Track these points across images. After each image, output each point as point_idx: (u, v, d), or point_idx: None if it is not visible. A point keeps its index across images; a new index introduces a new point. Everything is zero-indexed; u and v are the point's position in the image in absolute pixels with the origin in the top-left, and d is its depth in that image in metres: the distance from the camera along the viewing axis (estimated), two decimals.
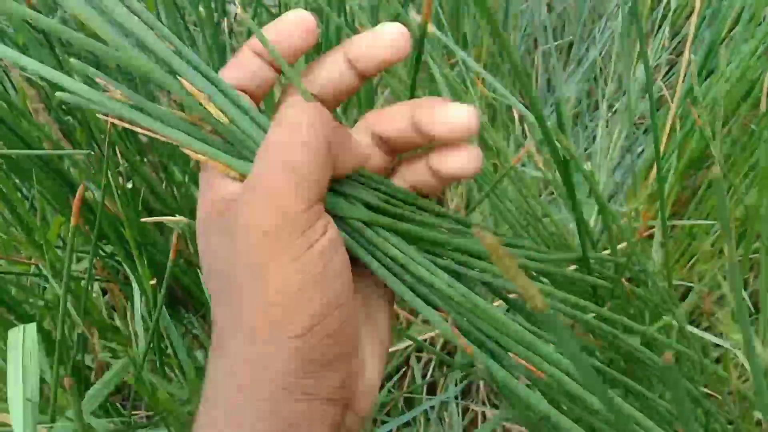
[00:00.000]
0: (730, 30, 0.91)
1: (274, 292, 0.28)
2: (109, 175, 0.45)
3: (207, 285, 0.32)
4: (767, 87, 0.57)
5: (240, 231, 0.28)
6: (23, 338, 0.43)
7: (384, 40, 0.31)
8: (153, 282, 0.46)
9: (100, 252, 0.66)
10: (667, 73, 1.09)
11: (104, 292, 0.84)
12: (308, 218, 0.28)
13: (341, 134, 0.30)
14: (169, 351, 0.61)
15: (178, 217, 0.45)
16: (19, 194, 0.63)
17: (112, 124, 0.53)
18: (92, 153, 0.56)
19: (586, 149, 1.04)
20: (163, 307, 0.54)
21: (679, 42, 1.08)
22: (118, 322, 0.79)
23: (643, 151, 1.01)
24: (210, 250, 0.32)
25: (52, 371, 0.44)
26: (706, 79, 0.86)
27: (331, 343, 0.29)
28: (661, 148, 0.85)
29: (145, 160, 0.86)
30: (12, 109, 0.56)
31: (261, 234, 0.28)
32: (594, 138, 1.04)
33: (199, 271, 0.69)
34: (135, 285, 0.52)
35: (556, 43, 1.23)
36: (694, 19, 0.83)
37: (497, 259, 0.15)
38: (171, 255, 0.39)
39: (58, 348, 0.44)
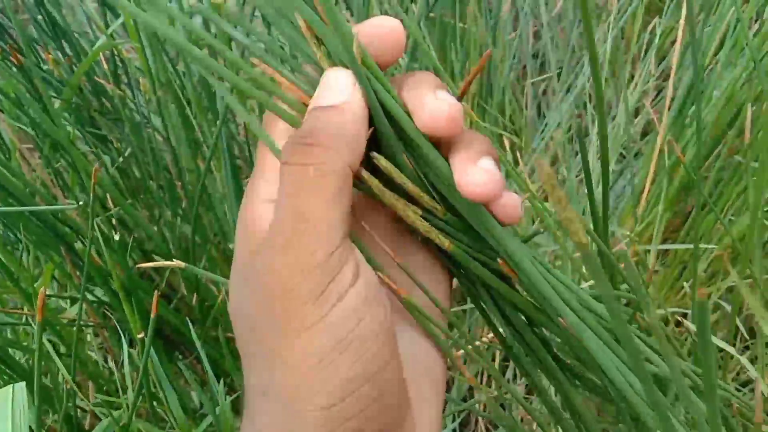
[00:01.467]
0: (715, 54, 0.92)
1: (300, 356, 0.24)
2: (95, 228, 0.45)
3: (236, 338, 0.28)
4: (751, 117, 0.57)
5: (260, 288, 0.25)
6: (13, 396, 0.43)
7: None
8: (141, 335, 0.46)
9: (91, 297, 0.66)
10: (655, 98, 1.10)
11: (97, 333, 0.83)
12: (332, 267, 0.25)
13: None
14: (161, 395, 0.60)
15: (175, 262, 0.45)
16: (7, 245, 0.63)
17: (98, 169, 0.54)
18: (80, 204, 0.56)
19: (577, 175, 1.04)
20: (154, 353, 0.54)
21: (666, 67, 1.09)
22: (111, 365, 0.79)
23: (634, 175, 1.01)
24: (236, 300, 0.28)
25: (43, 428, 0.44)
26: (692, 105, 0.87)
27: (370, 414, 0.25)
28: (650, 174, 0.85)
29: (137, 200, 0.87)
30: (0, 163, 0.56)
31: (279, 293, 0.25)
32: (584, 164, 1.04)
33: (189, 316, 0.69)
34: (122, 336, 0.51)
35: (545, 76, 1.24)
36: (678, 45, 0.84)
37: (550, 188, 0.15)
38: (152, 311, 0.39)
39: (38, 404, 0.43)
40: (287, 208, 0.26)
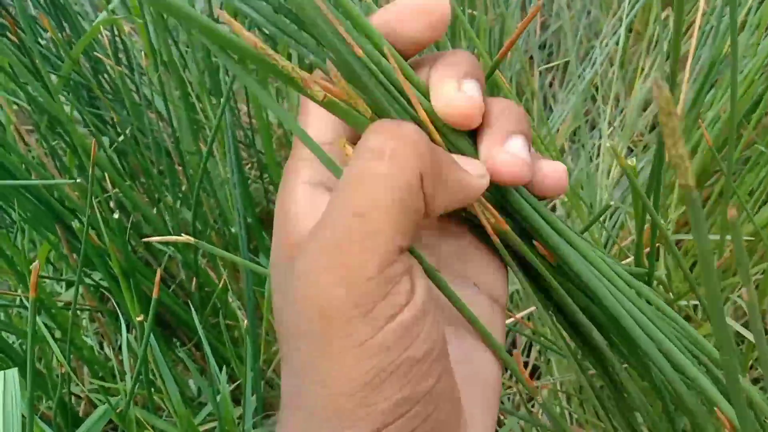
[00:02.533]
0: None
1: (340, 380, 0.21)
2: (95, 206, 0.43)
3: (278, 336, 0.26)
4: None
5: (299, 296, 0.22)
6: (5, 383, 0.41)
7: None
8: (140, 318, 0.44)
9: (87, 281, 0.63)
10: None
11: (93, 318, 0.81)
12: (385, 282, 0.21)
13: (440, 162, 0.24)
14: (160, 383, 0.58)
15: (183, 237, 0.43)
16: (1, 227, 0.61)
17: (97, 146, 0.51)
18: (77, 181, 0.54)
19: (582, 169, 1.02)
20: (153, 339, 0.52)
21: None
22: (107, 351, 0.77)
23: (642, 168, 0.99)
24: (276, 300, 0.26)
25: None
26: (709, 92, 0.85)
27: None
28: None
29: (136, 184, 0.84)
30: None
31: (318, 309, 0.21)
32: (593, 156, 1.03)
33: (189, 302, 0.67)
34: (122, 320, 0.49)
35: (553, 63, 1.22)
36: (695, 33, 0.82)
37: (665, 117, 0.13)
38: (154, 292, 0.37)
39: (31, 390, 0.41)
40: (342, 204, 0.22)
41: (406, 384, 0.22)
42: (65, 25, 0.92)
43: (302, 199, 0.26)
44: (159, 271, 0.37)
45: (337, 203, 0.22)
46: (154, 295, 0.36)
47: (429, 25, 0.26)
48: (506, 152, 0.26)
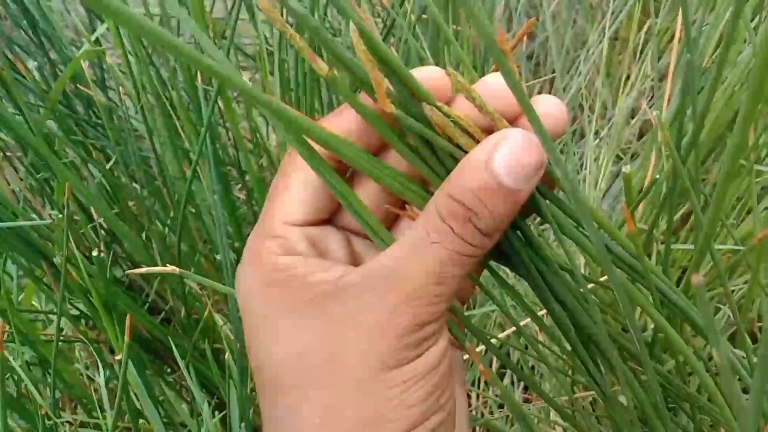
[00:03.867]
0: (713, 53, 0.91)
1: (395, 387, 0.26)
2: (72, 242, 0.43)
3: (259, 374, 0.29)
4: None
5: (352, 321, 0.26)
6: None
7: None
8: (119, 357, 0.44)
9: (74, 311, 0.64)
10: (651, 98, 1.08)
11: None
12: (439, 326, 0.28)
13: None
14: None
15: (169, 267, 0.43)
16: None
17: (79, 181, 0.52)
18: (55, 220, 0.54)
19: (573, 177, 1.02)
20: (134, 371, 0.52)
21: (663, 67, 1.07)
22: (97, 381, 0.77)
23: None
24: (280, 337, 0.28)
25: None
26: (690, 105, 0.85)
27: None
28: (648, 175, 0.83)
29: (125, 209, 0.85)
30: None
31: (382, 329, 0.26)
32: (582, 166, 1.03)
33: (175, 326, 0.67)
34: (102, 354, 0.50)
35: (541, 79, 1.22)
36: (675, 44, 0.82)
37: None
38: (126, 336, 0.37)
39: None
40: (430, 271, 0.26)
41: (428, 398, 0.27)
42: (50, 50, 0.93)
43: (286, 234, 0.29)
44: (129, 318, 0.37)
45: (423, 261, 0.26)
46: (126, 337, 0.37)
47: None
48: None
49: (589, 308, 0.30)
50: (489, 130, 0.27)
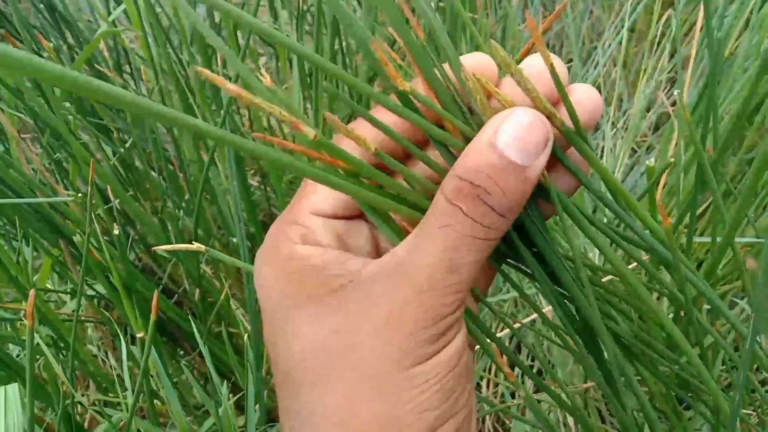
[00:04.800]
0: (735, 46, 0.90)
1: (413, 386, 0.25)
2: (94, 221, 0.43)
3: (277, 367, 0.28)
4: None
5: (371, 316, 0.26)
6: (6, 398, 0.41)
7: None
8: (141, 335, 0.44)
9: (91, 292, 0.64)
10: (669, 89, 1.08)
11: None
12: (455, 318, 0.26)
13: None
14: (163, 393, 0.59)
15: (195, 245, 0.43)
16: (4, 237, 0.61)
17: (95, 163, 0.52)
18: (78, 196, 0.54)
19: None
20: (154, 352, 0.52)
21: (679, 60, 1.06)
22: (112, 361, 0.77)
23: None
24: (306, 339, 0.27)
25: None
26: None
27: None
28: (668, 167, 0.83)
29: (139, 192, 0.85)
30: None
31: (406, 324, 0.25)
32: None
33: (191, 312, 0.67)
34: (122, 333, 0.50)
35: None
36: (696, 35, 0.82)
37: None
38: (153, 313, 0.37)
39: (30, 407, 0.41)
40: (442, 257, 0.25)
41: (449, 398, 0.26)
42: (67, 34, 0.93)
43: (302, 252, 0.28)
44: (156, 293, 0.37)
45: (437, 250, 0.26)
46: (153, 316, 0.37)
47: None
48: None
49: (588, 298, 0.30)
50: None
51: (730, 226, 0.48)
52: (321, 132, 0.26)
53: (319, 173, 0.26)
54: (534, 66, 0.27)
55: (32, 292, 0.32)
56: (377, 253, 0.31)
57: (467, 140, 0.27)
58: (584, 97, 0.27)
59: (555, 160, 0.29)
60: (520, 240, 0.30)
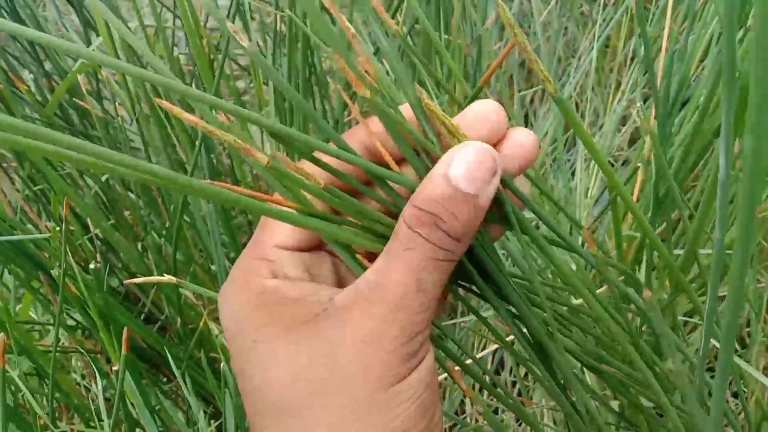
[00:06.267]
0: (701, 62, 0.92)
1: (387, 413, 0.27)
2: (69, 254, 0.44)
3: (253, 398, 0.29)
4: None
5: (344, 343, 0.27)
6: None
7: (482, 122, 0.29)
8: (115, 367, 0.45)
9: (71, 323, 0.64)
10: (645, 102, 1.10)
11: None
12: (425, 337, 0.28)
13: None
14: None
15: (165, 277, 0.44)
16: None
17: (74, 194, 0.53)
18: (51, 234, 0.55)
19: (565, 185, 1.04)
20: (131, 381, 0.53)
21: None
22: (94, 389, 0.78)
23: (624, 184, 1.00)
24: (283, 370, 0.28)
25: None
26: (680, 111, 0.86)
27: None
28: (638, 183, 0.84)
29: (120, 219, 0.85)
30: None
31: (375, 348, 0.27)
32: (573, 174, 1.04)
33: (171, 338, 0.68)
34: (100, 363, 0.50)
35: (532, 90, 1.23)
36: (662, 54, 0.84)
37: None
38: (123, 349, 0.38)
39: None
40: (408, 279, 0.27)
41: (425, 413, 0.28)
42: (45, 60, 0.93)
43: (271, 286, 0.29)
44: (126, 330, 0.38)
45: (403, 271, 0.27)
46: (124, 350, 0.37)
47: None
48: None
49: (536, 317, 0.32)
50: None
51: (690, 242, 0.49)
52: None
53: (275, 211, 0.27)
54: (478, 111, 0.29)
55: (1, 337, 0.33)
56: (340, 283, 0.32)
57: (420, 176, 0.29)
58: (521, 138, 0.29)
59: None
60: (469, 261, 0.31)
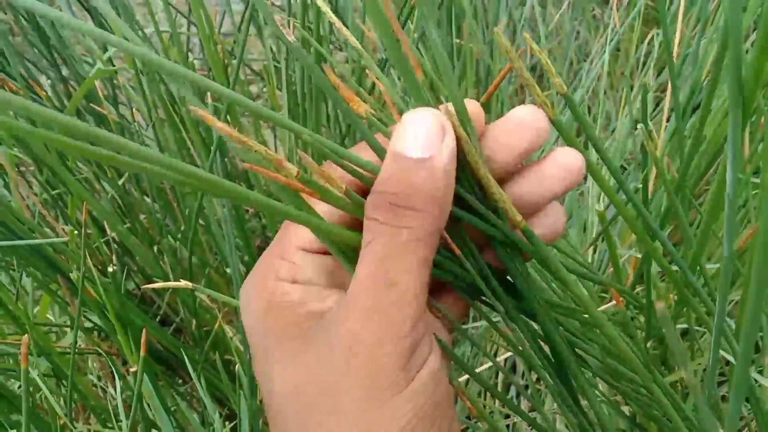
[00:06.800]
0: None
1: (386, 424, 0.25)
2: (87, 257, 0.45)
3: (265, 402, 0.28)
4: (747, 133, 0.56)
5: (336, 355, 0.25)
6: None
7: (523, 129, 0.27)
8: (134, 369, 0.46)
9: (89, 324, 0.65)
10: (653, 110, 1.10)
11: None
12: (417, 336, 0.26)
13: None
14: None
15: (181, 282, 0.45)
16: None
17: (92, 198, 0.54)
18: (71, 237, 0.56)
19: (576, 189, 1.04)
20: (149, 382, 0.54)
21: (665, 80, 1.08)
22: (112, 391, 0.79)
23: (637, 190, 1.00)
24: (277, 371, 0.27)
25: None
26: (692, 115, 0.86)
27: None
28: (650, 186, 0.84)
29: (137, 223, 0.87)
30: None
31: (364, 360, 0.25)
32: (585, 178, 1.04)
33: (186, 340, 0.69)
34: (119, 364, 0.51)
35: (544, 93, 1.23)
36: (675, 57, 0.84)
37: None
38: (142, 351, 0.39)
39: None
40: (375, 273, 0.25)
41: (432, 426, 0.26)
42: (62, 65, 0.95)
43: (286, 289, 0.29)
44: (144, 331, 0.39)
45: (370, 269, 0.25)
46: (142, 352, 0.38)
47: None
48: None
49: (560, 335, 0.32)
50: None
51: (694, 255, 0.49)
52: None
53: (301, 216, 0.27)
54: (519, 117, 0.28)
55: (25, 339, 0.34)
56: None
57: None
58: (568, 159, 0.28)
59: (537, 209, 0.30)
60: (499, 282, 0.31)
